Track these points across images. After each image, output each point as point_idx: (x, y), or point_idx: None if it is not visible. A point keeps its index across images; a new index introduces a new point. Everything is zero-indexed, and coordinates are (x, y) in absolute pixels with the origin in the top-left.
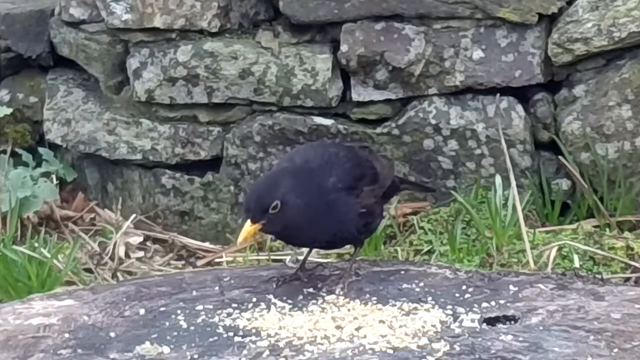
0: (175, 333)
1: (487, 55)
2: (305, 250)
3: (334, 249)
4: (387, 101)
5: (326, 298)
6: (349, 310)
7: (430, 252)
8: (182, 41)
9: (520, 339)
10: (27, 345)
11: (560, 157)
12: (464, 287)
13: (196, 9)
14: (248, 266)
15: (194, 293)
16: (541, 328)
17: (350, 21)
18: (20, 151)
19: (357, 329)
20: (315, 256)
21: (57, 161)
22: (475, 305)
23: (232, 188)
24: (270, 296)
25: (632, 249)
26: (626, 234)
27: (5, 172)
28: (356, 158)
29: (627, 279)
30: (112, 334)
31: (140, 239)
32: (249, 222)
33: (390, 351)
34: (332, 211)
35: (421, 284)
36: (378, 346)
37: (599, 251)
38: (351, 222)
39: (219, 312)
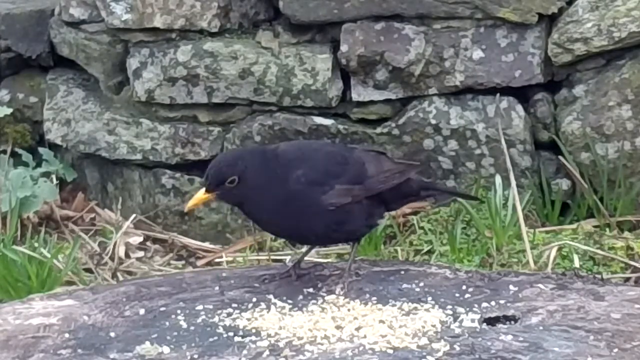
0: (175, 333)
1: (487, 55)
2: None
3: (314, 244)
4: (387, 101)
5: (326, 298)
6: (349, 310)
7: (430, 252)
8: (182, 41)
9: (520, 339)
10: (27, 345)
11: (560, 157)
12: (464, 287)
13: (196, 9)
14: (248, 266)
15: (194, 293)
16: (541, 328)
17: (350, 21)
18: (20, 151)
19: (357, 329)
20: (315, 256)
21: (57, 161)
22: (475, 305)
23: None
24: (270, 296)
25: (632, 249)
26: (626, 234)
27: (5, 172)
28: (339, 157)
29: (627, 279)
30: (112, 334)
31: (140, 239)
32: (203, 190)
33: (390, 351)
34: (293, 203)
35: (421, 284)
36: (378, 346)
37: (599, 251)
38: (316, 218)
39: (219, 312)
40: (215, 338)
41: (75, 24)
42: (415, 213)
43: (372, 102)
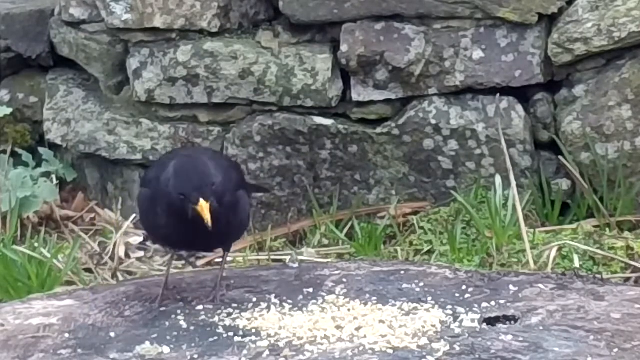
0: (175, 333)
1: (487, 55)
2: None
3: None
4: (387, 101)
5: (326, 298)
6: (349, 310)
7: (430, 252)
8: (182, 41)
9: (520, 339)
10: (27, 345)
11: (560, 157)
12: (464, 287)
13: (196, 9)
14: (248, 266)
15: (194, 293)
16: (541, 328)
17: (350, 21)
18: (20, 151)
19: (357, 329)
20: (316, 256)
21: (57, 161)
22: (475, 305)
23: None
24: (271, 296)
25: (632, 249)
26: (626, 234)
27: (5, 172)
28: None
29: (627, 279)
30: (112, 334)
31: (140, 239)
32: (202, 201)
33: (390, 351)
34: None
35: (421, 284)
36: (378, 346)
37: (599, 251)
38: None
39: (219, 312)
40: (215, 338)
41: (75, 24)
42: (415, 213)
43: (372, 102)
